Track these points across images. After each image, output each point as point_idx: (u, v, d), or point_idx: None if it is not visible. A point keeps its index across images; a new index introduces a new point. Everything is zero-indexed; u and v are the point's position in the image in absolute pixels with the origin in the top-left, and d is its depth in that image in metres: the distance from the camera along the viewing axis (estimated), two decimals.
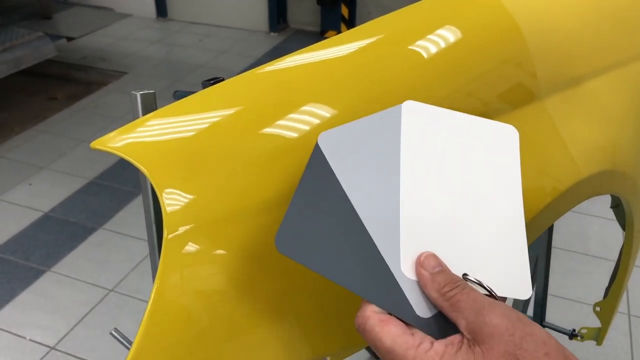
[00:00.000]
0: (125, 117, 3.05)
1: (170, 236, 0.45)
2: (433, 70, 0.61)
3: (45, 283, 2.06)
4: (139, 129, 0.49)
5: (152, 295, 0.44)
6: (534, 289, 1.17)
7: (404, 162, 0.44)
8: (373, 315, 0.39)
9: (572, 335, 1.15)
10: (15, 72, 2.91)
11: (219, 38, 4.30)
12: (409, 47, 0.61)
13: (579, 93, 0.71)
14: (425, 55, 0.60)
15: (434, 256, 0.41)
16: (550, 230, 1.04)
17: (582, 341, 1.14)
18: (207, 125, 0.51)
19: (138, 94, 0.57)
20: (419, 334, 0.38)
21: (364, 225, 0.42)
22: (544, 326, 1.18)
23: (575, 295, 2.03)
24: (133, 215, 2.40)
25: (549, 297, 2.00)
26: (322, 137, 0.47)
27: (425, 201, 0.44)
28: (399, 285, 0.40)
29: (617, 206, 0.99)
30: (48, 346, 1.82)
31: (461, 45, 0.63)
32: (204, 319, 0.46)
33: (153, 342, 0.44)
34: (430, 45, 0.61)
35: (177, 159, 0.48)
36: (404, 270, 0.41)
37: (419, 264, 0.41)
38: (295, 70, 0.58)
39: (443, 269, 0.41)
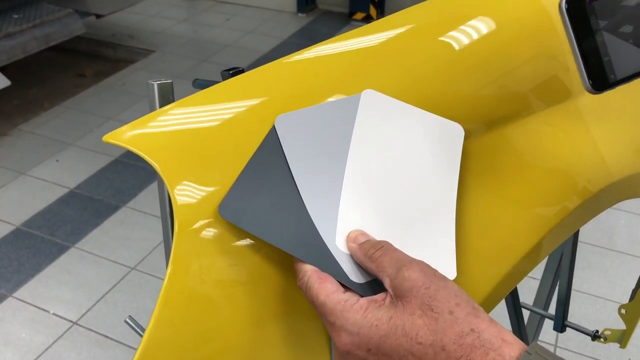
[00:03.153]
0: None
1: (185, 229, 0.44)
2: (464, 62, 0.59)
3: (69, 259, 2.09)
4: (152, 123, 0.48)
5: (165, 283, 0.43)
6: (558, 287, 1.14)
7: (352, 148, 0.49)
8: (313, 273, 0.43)
9: (595, 336, 1.12)
10: (45, 49, 2.94)
11: (246, 18, 4.28)
12: (440, 38, 0.59)
13: (613, 92, 0.68)
14: (456, 46, 0.59)
15: (363, 233, 0.46)
16: (576, 231, 1.01)
17: (605, 343, 1.12)
18: (226, 117, 0.50)
19: (155, 84, 0.56)
20: (350, 293, 0.42)
21: (304, 204, 0.46)
22: (565, 325, 1.15)
23: (599, 291, 1.99)
24: (156, 194, 2.42)
25: (572, 292, 1.97)
26: (280, 119, 0.49)
27: (366, 185, 0.49)
28: (334, 257, 0.45)
29: None
30: (70, 321, 1.85)
31: (494, 37, 0.61)
32: (227, 308, 0.45)
33: (167, 328, 0.44)
34: (461, 36, 0.60)
35: (192, 153, 0.47)
36: (338, 245, 0.46)
37: (350, 239, 0.46)
38: (321, 61, 0.56)
39: (369, 239, 0.45)
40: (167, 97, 0.57)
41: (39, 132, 2.85)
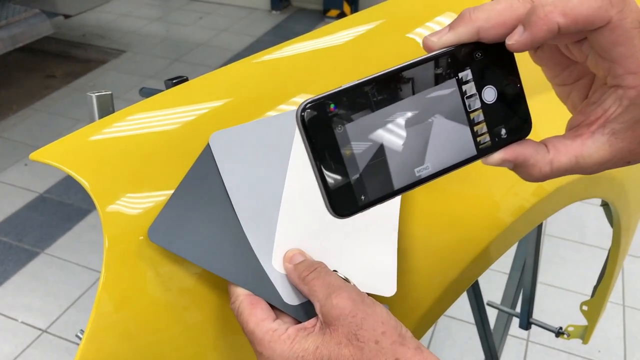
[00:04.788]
0: (123, 96, 3.03)
1: (115, 247, 0.43)
2: None
3: (38, 265, 2.06)
4: (85, 137, 0.46)
5: (97, 293, 0.43)
6: (523, 286, 1.15)
7: (291, 165, 0.48)
8: (245, 298, 0.43)
9: (559, 333, 1.14)
10: (13, 50, 2.88)
11: (219, 16, 4.24)
12: (407, 34, 0.59)
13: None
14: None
15: (300, 252, 0.45)
16: (539, 229, 1.02)
17: (569, 339, 1.13)
18: (165, 129, 0.49)
19: (94, 96, 0.55)
20: (279, 321, 0.42)
21: (240, 225, 0.45)
22: (530, 323, 1.16)
23: (570, 285, 2.01)
24: None
25: (543, 286, 1.99)
26: (215, 136, 0.47)
27: (305, 203, 0.47)
28: (269, 278, 0.44)
29: (606, 204, 0.97)
30: (40, 329, 1.82)
31: None
32: (161, 324, 0.45)
33: (101, 341, 0.43)
34: (427, 33, 0.59)
35: (126, 167, 0.46)
36: (275, 265, 0.45)
37: (286, 259, 0.45)
38: (278, 62, 0.55)
39: (305, 259, 0.44)
40: (107, 108, 0.55)
41: (7, 135, 2.79)
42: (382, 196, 0.35)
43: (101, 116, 0.55)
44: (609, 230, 0.94)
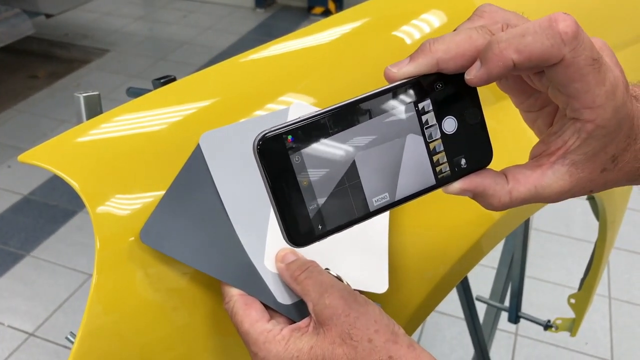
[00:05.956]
0: (108, 96, 3.00)
1: (107, 247, 0.43)
2: None
3: (24, 268, 2.03)
4: (74, 138, 0.46)
5: (90, 295, 0.43)
6: (511, 280, 1.16)
7: None
8: (239, 298, 0.43)
9: (547, 326, 1.15)
10: None
11: (204, 14, 4.22)
12: (393, 32, 0.59)
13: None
14: (408, 41, 0.59)
15: (292, 251, 0.45)
16: (526, 224, 1.03)
17: (557, 332, 1.14)
18: (155, 129, 0.48)
19: (81, 96, 0.54)
20: (274, 322, 0.42)
21: (232, 225, 0.45)
22: (519, 317, 1.18)
23: (557, 278, 2.03)
24: None
25: (531, 280, 2.01)
26: (205, 136, 0.47)
27: None
28: (262, 278, 0.44)
29: (592, 198, 0.98)
30: (27, 332, 1.80)
31: (444, 31, 0.61)
32: (153, 325, 0.44)
33: (94, 341, 0.43)
34: (413, 30, 0.60)
35: (117, 168, 0.45)
36: (267, 264, 0.44)
37: (278, 258, 0.45)
38: (266, 61, 0.55)
39: (298, 258, 0.44)
40: (95, 109, 0.55)
41: None
42: (339, 226, 0.35)
43: (89, 117, 0.54)
44: (595, 224, 0.96)
